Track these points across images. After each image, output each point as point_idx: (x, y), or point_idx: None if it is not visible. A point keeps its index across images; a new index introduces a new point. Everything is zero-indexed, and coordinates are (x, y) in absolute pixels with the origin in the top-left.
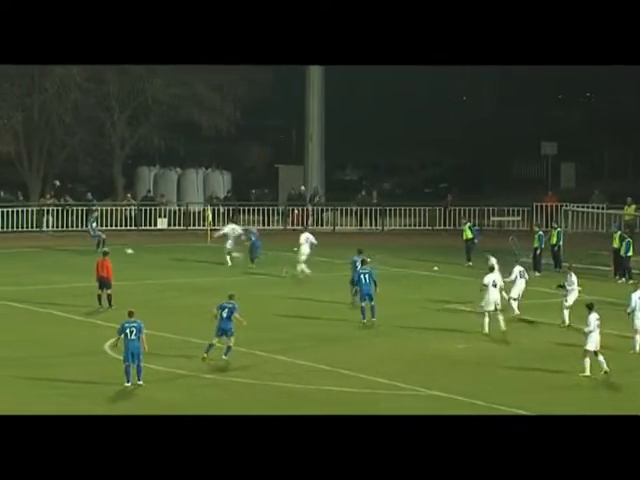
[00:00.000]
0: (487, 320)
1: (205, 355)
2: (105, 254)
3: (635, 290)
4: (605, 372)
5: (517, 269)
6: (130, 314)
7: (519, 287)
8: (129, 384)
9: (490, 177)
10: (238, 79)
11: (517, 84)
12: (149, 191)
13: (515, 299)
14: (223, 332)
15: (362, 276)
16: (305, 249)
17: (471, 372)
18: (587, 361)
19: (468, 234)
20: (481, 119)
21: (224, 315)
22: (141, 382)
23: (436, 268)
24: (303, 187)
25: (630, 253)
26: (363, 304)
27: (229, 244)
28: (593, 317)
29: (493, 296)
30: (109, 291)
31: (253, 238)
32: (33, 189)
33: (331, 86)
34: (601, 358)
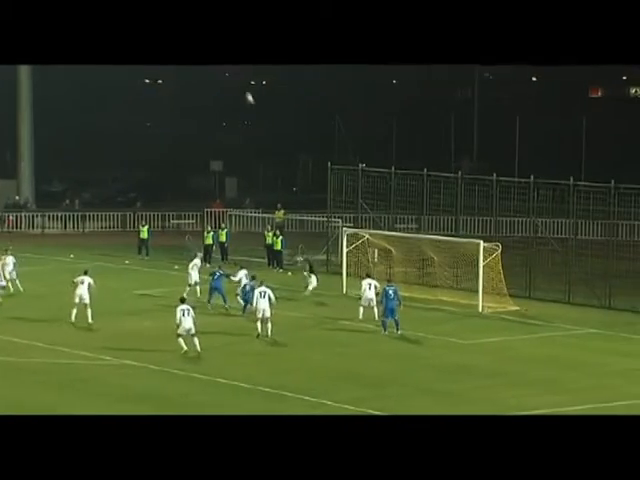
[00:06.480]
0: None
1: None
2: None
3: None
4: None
5: (242, 272)
6: None
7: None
8: None
9: (170, 187)
10: None
11: (192, 110)
12: None
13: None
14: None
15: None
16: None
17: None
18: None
19: (145, 234)
20: (162, 139)
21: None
22: None
23: (127, 262)
24: (17, 197)
25: (282, 248)
26: (245, 313)
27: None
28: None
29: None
30: None
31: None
32: None
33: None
34: (196, 341)
